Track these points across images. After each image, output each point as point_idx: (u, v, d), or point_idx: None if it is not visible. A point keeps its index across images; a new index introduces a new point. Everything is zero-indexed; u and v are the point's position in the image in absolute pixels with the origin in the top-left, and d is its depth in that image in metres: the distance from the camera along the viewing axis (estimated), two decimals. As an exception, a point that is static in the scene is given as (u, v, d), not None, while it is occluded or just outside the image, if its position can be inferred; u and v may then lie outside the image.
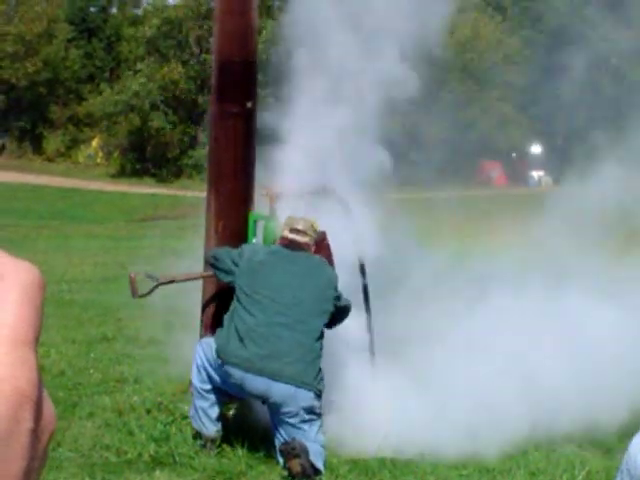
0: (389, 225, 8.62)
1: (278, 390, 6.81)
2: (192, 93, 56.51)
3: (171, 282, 7.95)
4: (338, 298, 7.21)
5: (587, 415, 7.70)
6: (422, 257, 9.20)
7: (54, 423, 0.66)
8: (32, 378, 0.62)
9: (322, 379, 6.96)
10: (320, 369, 6.96)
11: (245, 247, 7.40)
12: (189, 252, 9.93)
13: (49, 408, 0.65)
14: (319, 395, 6.94)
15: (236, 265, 7.20)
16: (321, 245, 7.64)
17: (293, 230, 7.32)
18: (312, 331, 7.00)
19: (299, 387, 6.81)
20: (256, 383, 6.86)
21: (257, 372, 6.84)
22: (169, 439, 7.45)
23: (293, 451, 6.69)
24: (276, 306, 7.02)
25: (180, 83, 55.97)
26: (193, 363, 7.35)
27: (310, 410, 6.87)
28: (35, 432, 0.63)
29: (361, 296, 8.16)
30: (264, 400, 7.00)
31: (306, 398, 6.84)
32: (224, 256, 7.32)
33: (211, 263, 7.49)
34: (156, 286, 7.70)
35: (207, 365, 7.20)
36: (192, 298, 8.58)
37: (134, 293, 7.69)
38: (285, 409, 6.82)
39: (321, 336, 7.06)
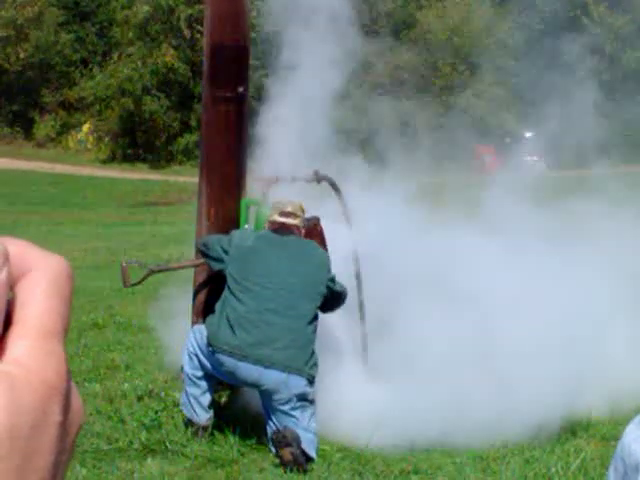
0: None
1: (269, 377, 6.77)
2: (184, 77, 56.37)
3: (163, 270, 7.89)
4: (332, 280, 7.17)
5: (583, 402, 7.67)
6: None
7: (82, 416, 0.66)
8: (60, 370, 0.62)
9: (315, 364, 6.92)
10: (313, 354, 6.92)
11: (234, 233, 7.34)
12: (181, 238, 9.89)
13: (77, 401, 0.65)
14: (311, 381, 6.91)
15: (226, 253, 7.15)
16: (314, 231, 7.59)
17: (283, 213, 7.27)
18: (303, 316, 6.96)
19: (290, 373, 6.78)
20: (248, 371, 6.83)
21: (248, 359, 6.80)
22: (160, 426, 7.42)
23: (284, 440, 6.66)
24: (266, 292, 6.98)
25: (173, 67, 55.81)
26: (184, 350, 7.31)
27: (302, 397, 6.84)
28: (63, 425, 0.63)
29: (354, 282, 8.12)
30: (256, 389, 6.96)
31: (298, 385, 6.80)
32: (214, 244, 7.26)
33: (201, 251, 7.44)
34: (148, 274, 7.65)
35: (199, 352, 7.16)
36: (184, 285, 8.53)
37: (125, 282, 7.63)
38: (277, 396, 6.79)
39: (313, 320, 7.01)
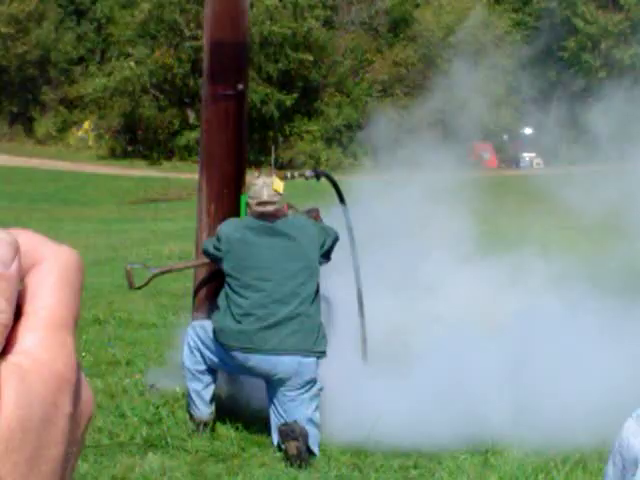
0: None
1: (283, 365, 6.81)
2: (183, 75, 56.28)
3: (167, 272, 7.93)
4: (324, 245, 7.14)
5: (581, 398, 7.68)
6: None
7: (92, 408, 0.65)
8: (70, 362, 0.62)
9: (324, 336, 6.97)
10: (319, 328, 6.96)
11: (220, 228, 7.25)
12: (181, 235, 9.92)
13: (87, 393, 0.65)
14: (320, 358, 6.94)
15: (219, 250, 7.14)
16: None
17: (260, 204, 7.18)
18: (306, 299, 6.97)
19: (302, 356, 6.82)
20: (261, 362, 6.86)
21: (260, 351, 6.84)
22: (161, 421, 7.45)
23: (292, 433, 6.70)
24: (267, 284, 7.00)
25: (174, 67, 55.69)
26: (185, 346, 7.32)
27: (313, 383, 6.87)
28: (74, 417, 0.62)
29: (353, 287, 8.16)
30: (267, 379, 6.96)
31: (309, 370, 6.84)
32: (209, 247, 7.24)
33: (205, 254, 7.41)
34: (153, 276, 7.69)
35: (201, 346, 7.18)
36: (184, 280, 8.56)
37: (131, 285, 7.67)
38: (288, 382, 6.82)
39: (316, 297, 7.04)
